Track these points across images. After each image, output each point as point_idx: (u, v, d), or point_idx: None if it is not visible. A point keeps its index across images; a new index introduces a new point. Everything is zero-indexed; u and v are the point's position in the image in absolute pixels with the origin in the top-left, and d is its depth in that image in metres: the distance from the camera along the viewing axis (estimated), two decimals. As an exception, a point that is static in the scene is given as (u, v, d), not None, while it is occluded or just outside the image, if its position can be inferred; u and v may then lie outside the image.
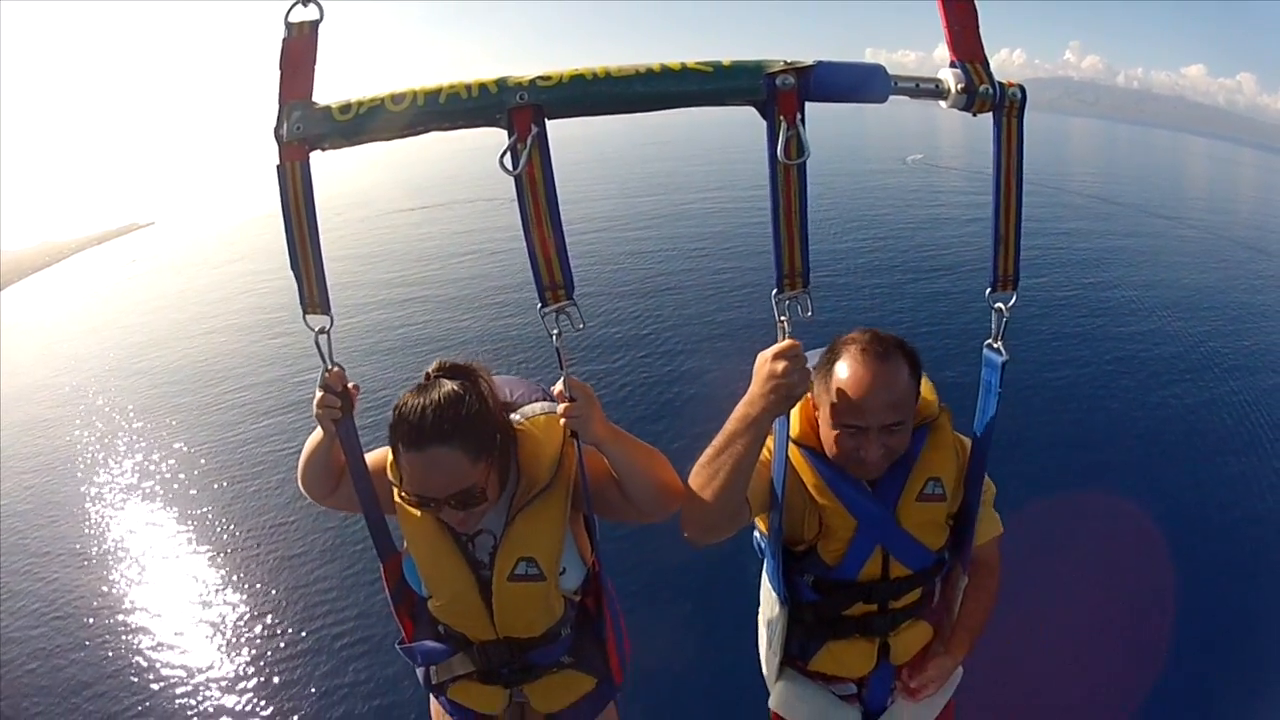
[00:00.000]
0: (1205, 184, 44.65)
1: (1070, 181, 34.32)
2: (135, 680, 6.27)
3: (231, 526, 8.26)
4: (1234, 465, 8.03)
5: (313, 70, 1.58)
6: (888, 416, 1.83)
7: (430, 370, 1.86)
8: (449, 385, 1.78)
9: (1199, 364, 10.73)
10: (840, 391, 1.85)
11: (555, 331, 1.65)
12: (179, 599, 7.25)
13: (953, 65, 1.69)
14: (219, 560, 7.72)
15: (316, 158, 1.63)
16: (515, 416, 1.98)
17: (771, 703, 2.28)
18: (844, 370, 1.85)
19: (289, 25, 1.54)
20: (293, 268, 1.66)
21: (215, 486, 9.15)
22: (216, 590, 7.26)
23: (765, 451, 1.94)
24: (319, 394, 1.77)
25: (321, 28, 1.57)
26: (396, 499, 1.93)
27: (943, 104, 1.72)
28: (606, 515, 1.99)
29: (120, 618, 7.12)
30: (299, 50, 1.56)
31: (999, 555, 2.25)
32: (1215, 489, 7.57)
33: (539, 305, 1.64)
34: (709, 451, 1.75)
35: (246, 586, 7.23)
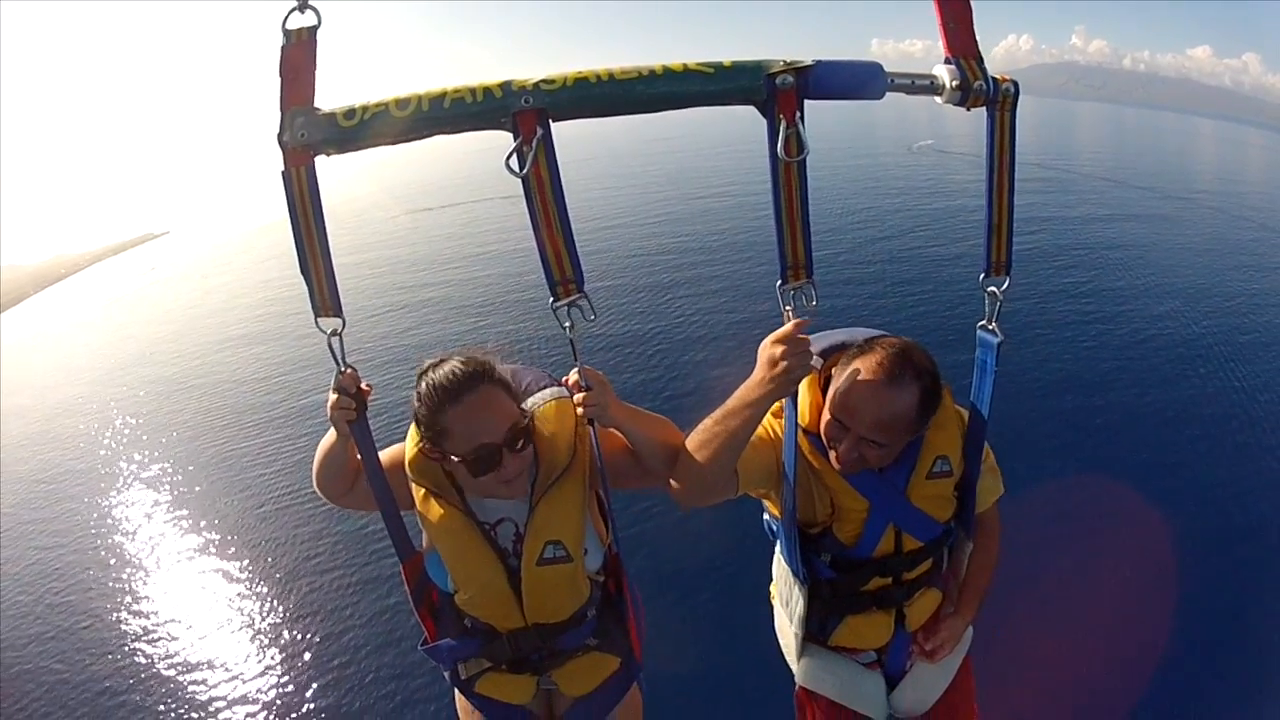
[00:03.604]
0: (1214, 165, 43.78)
1: (1079, 166, 34.01)
2: (146, 679, 6.29)
3: (250, 528, 8.26)
4: (1238, 444, 7.99)
5: (313, 76, 1.55)
6: (870, 431, 1.82)
7: (428, 364, 1.87)
8: (458, 356, 1.83)
9: (1206, 346, 10.60)
10: (842, 385, 1.86)
11: (568, 324, 1.67)
12: (197, 599, 7.26)
13: (947, 61, 1.68)
14: (239, 563, 7.71)
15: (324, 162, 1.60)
16: (526, 405, 1.97)
17: (798, 679, 2.30)
18: (856, 369, 1.85)
19: (287, 32, 1.51)
20: (302, 272, 1.63)
21: (236, 489, 9.15)
22: (235, 593, 7.25)
23: (765, 430, 1.98)
24: (333, 396, 1.74)
25: (321, 32, 1.54)
26: (417, 497, 1.92)
27: (938, 99, 1.70)
28: (623, 484, 2.00)
29: (137, 619, 7.11)
30: (298, 56, 1.53)
31: (999, 516, 2.29)
32: (1221, 470, 7.51)
33: (551, 300, 1.64)
34: (706, 422, 1.79)
35: (264, 589, 7.22)
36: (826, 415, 1.91)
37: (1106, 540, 6.31)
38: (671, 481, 1.90)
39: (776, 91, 1.55)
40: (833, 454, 1.91)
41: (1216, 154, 54.48)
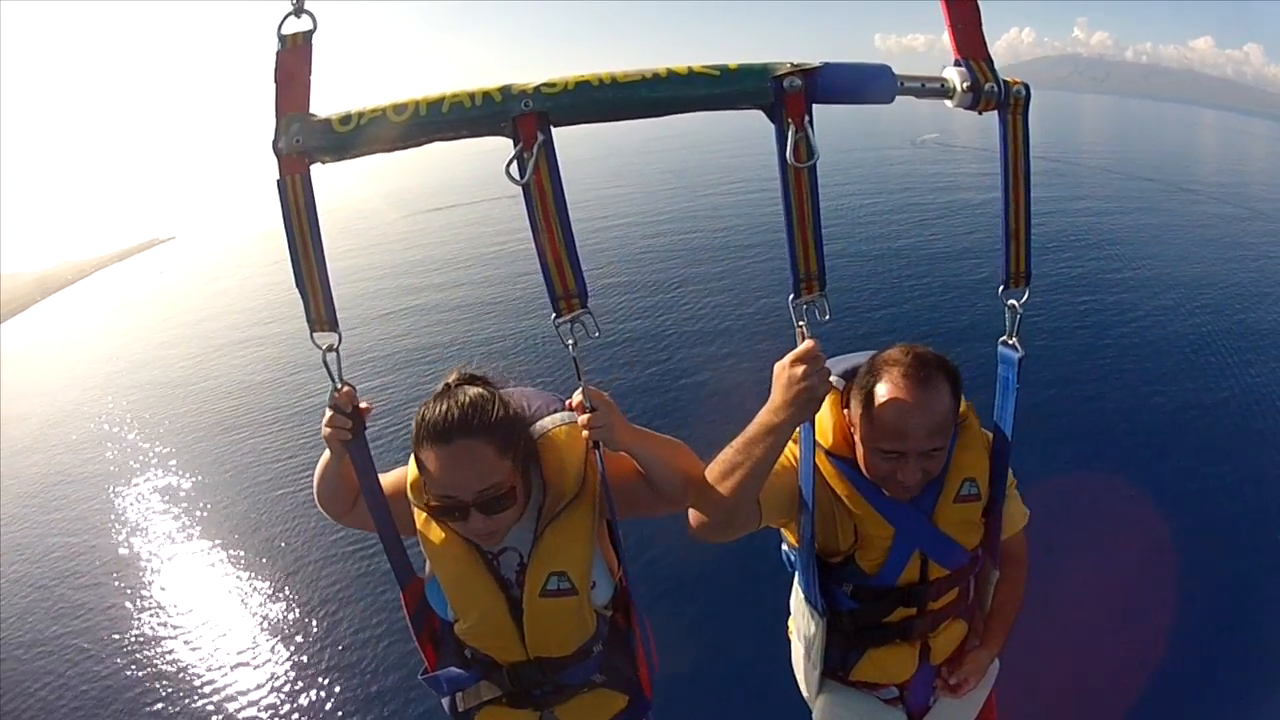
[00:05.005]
0: (1217, 156, 42.93)
1: (1083, 157, 33.50)
2: (148, 680, 6.26)
3: (258, 533, 8.20)
4: (1239, 437, 7.84)
5: (309, 81, 1.49)
6: (928, 442, 1.74)
7: (450, 380, 1.78)
8: (474, 390, 1.71)
9: (1209, 337, 10.40)
10: (880, 416, 1.75)
11: (570, 341, 1.58)
12: (202, 604, 7.22)
13: (957, 63, 1.62)
14: (245, 569, 7.65)
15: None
16: (535, 429, 1.87)
17: (816, 718, 2.19)
18: (885, 394, 1.75)
19: (282, 37, 1.46)
20: (297, 285, 1.57)
21: (246, 493, 9.09)
22: (240, 600, 7.19)
23: (785, 457, 1.85)
24: (327, 414, 1.66)
25: (321, 33, 1.48)
26: (419, 520, 1.82)
27: (948, 103, 1.64)
28: (636, 513, 1.89)
29: (142, 620, 7.07)
30: (294, 62, 1.48)
31: (1026, 544, 2.18)
32: (1223, 464, 7.36)
33: (553, 316, 1.56)
34: (727, 452, 1.68)
35: (268, 598, 7.13)
36: (864, 450, 1.82)
37: (1108, 536, 6.23)
38: (692, 515, 1.80)
39: (784, 95, 1.48)
40: (892, 486, 1.81)
41: (1220, 144, 53.62)
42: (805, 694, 2.23)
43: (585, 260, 1.56)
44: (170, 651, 6.66)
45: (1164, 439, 7.98)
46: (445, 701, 2.02)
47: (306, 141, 1.48)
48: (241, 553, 7.96)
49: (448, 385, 1.76)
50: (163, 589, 7.65)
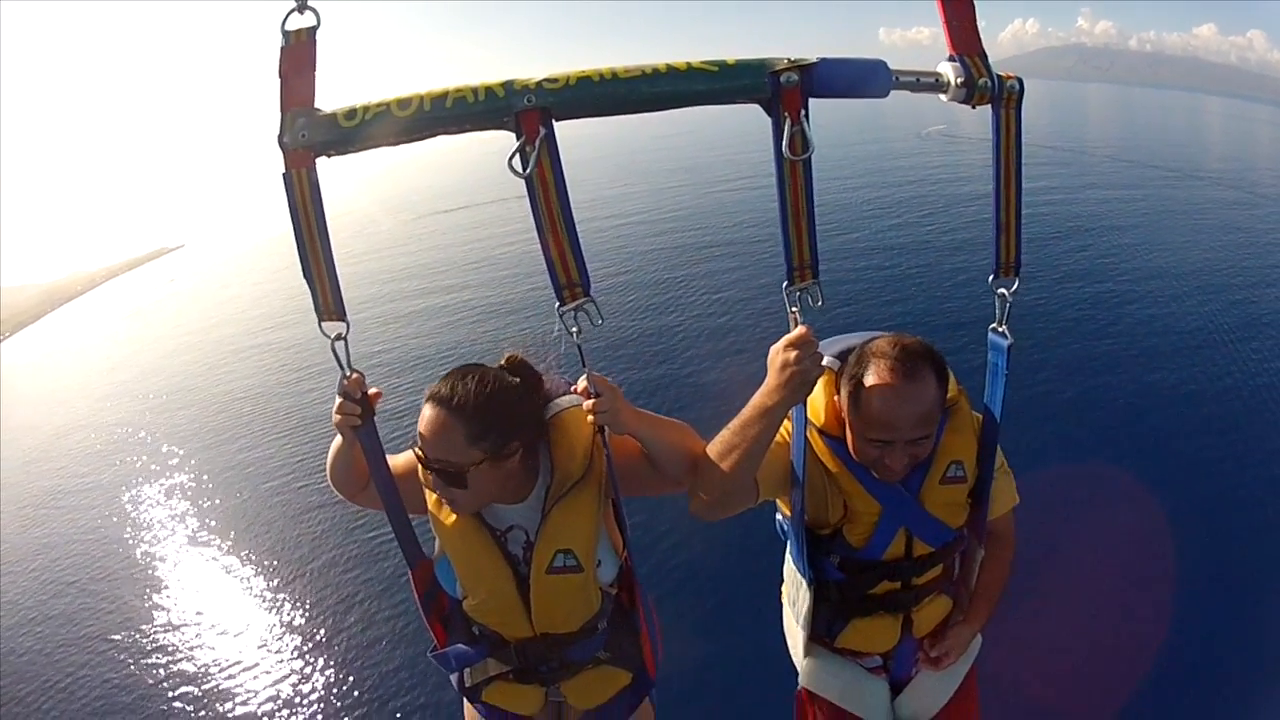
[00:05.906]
0: (1222, 142, 42.48)
1: (1088, 146, 33.24)
2: (156, 681, 6.32)
3: (268, 531, 8.29)
4: (1242, 427, 7.73)
5: (313, 77, 1.51)
6: (915, 432, 1.77)
7: (501, 361, 1.84)
8: (505, 376, 1.76)
9: (1213, 325, 10.29)
10: (868, 407, 1.78)
11: (575, 329, 1.60)
12: (213, 603, 7.30)
13: (951, 59, 1.64)
14: (257, 567, 7.73)
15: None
16: (546, 411, 1.91)
17: (801, 680, 2.23)
18: (873, 386, 1.77)
19: (286, 33, 1.48)
20: (305, 276, 1.58)
21: (259, 499, 9.11)
22: (252, 596, 7.28)
23: (783, 435, 1.89)
24: (337, 400, 1.70)
25: (322, 33, 1.50)
26: (430, 500, 1.86)
27: (943, 97, 1.66)
28: (639, 492, 1.93)
29: (152, 623, 7.14)
30: (298, 57, 1.50)
31: (1014, 525, 2.21)
32: (1226, 457, 7.26)
33: (557, 305, 1.58)
34: (724, 433, 1.71)
35: (277, 592, 7.23)
36: (852, 436, 1.87)
37: (1107, 528, 6.20)
38: (694, 493, 1.84)
39: (781, 90, 1.50)
40: (880, 470, 1.86)
41: (1224, 131, 52.86)
42: (794, 656, 2.28)
43: (592, 258, 1.58)
44: (192, 636, 6.83)
45: (1161, 420, 7.99)
46: (454, 678, 2.07)
47: (312, 136, 1.50)
48: (255, 548, 8.05)
49: (497, 365, 1.83)
50: (180, 582, 7.78)
